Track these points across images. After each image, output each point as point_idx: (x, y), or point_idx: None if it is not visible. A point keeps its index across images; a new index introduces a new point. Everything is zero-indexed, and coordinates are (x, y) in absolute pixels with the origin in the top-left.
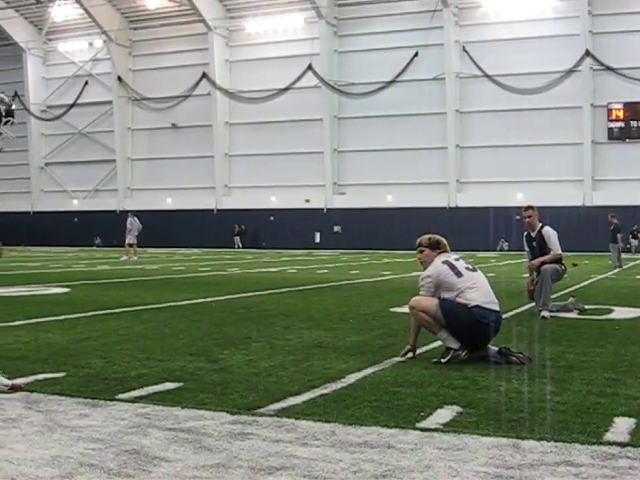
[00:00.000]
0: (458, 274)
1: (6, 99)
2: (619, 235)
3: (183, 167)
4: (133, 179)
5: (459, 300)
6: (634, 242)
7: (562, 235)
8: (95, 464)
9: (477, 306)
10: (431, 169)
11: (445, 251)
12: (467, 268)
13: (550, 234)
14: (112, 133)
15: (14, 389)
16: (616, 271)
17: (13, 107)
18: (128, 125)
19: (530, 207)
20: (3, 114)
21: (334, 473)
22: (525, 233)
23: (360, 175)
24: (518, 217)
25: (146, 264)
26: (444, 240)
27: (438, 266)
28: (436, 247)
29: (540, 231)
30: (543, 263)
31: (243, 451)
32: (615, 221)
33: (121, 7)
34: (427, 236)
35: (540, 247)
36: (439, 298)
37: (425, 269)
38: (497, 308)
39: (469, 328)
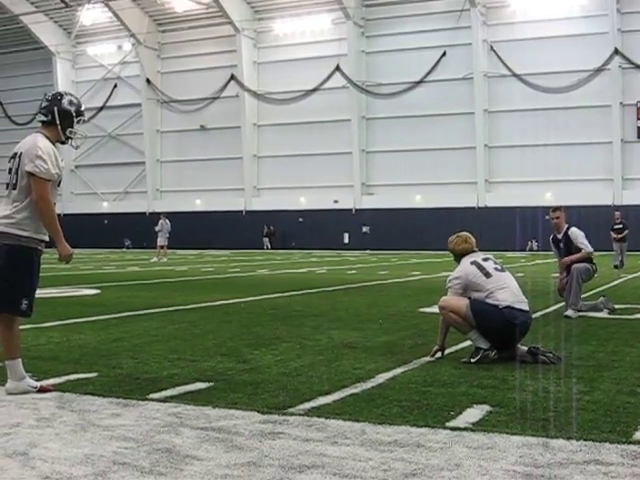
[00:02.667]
0: (487, 275)
1: (75, 100)
2: (626, 232)
3: (212, 169)
4: (162, 181)
5: (489, 301)
6: None
7: (592, 235)
8: (128, 462)
9: (508, 307)
10: (460, 169)
11: (473, 251)
12: (496, 269)
13: (577, 234)
14: (141, 135)
15: (42, 391)
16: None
17: (82, 107)
18: (157, 127)
19: (558, 208)
20: (74, 114)
21: (364, 472)
22: (551, 236)
23: (388, 175)
24: (548, 217)
25: (176, 265)
26: (470, 241)
27: (467, 267)
28: (462, 255)
29: (566, 232)
30: (573, 262)
31: (274, 450)
32: (622, 219)
33: (149, 10)
34: (454, 240)
35: (567, 248)
36: (469, 298)
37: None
38: (527, 308)
39: (500, 329)
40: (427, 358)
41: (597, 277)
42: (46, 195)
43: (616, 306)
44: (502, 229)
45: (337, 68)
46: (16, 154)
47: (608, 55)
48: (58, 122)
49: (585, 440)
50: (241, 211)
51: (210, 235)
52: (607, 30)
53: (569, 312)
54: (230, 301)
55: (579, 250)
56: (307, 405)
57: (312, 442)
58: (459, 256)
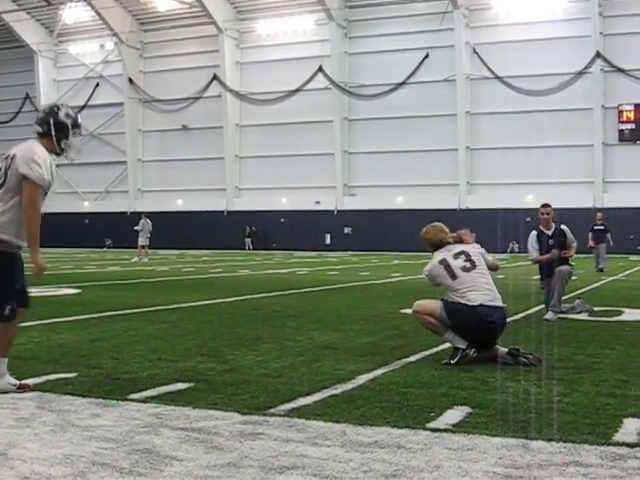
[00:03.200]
0: (453, 277)
1: (71, 113)
2: (608, 235)
3: (194, 169)
4: (144, 181)
5: (462, 300)
6: None
7: (574, 237)
8: (107, 463)
9: (480, 305)
10: (441, 171)
11: (449, 242)
12: (463, 268)
13: (569, 231)
14: (123, 135)
15: (22, 388)
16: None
17: (79, 121)
18: (139, 127)
19: (548, 205)
20: (70, 127)
21: (344, 473)
22: (536, 232)
23: (370, 177)
24: (529, 219)
25: (157, 265)
26: (440, 234)
27: (435, 266)
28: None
29: (560, 228)
30: (567, 257)
31: (254, 451)
32: (603, 221)
33: (132, 9)
34: (426, 233)
35: (559, 244)
36: (442, 300)
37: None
38: (500, 304)
39: (475, 327)
40: (408, 359)
41: (577, 280)
42: (36, 200)
43: (596, 308)
44: (483, 231)
45: (320, 69)
46: (9, 155)
47: (590, 58)
48: (53, 134)
49: (565, 442)
50: (223, 211)
51: (192, 235)
52: (589, 33)
53: (549, 315)
54: (211, 301)
55: (566, 247)
56: (287, 406)
57: (292, 443)
58: (434, 247)
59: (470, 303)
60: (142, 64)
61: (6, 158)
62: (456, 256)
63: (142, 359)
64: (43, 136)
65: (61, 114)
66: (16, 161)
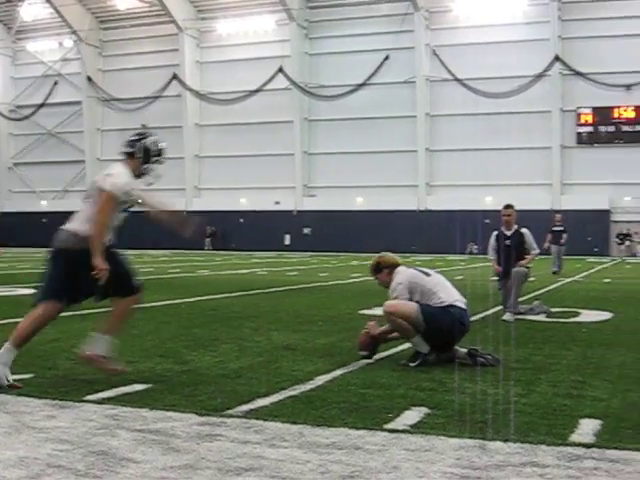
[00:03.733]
0: (426, 274)
1: (159, 142)
2: (564, 236)
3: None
4: None
5: (436, 303)
6: (622, 246)
7: (535, 242)
8: (63, 465)
9: (453, 305)
10: (401, 172)
11: (397, 265)
12: (433, 270)
13: (529, 235)
14: (81, 134)
15: (12, 387)
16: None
17: (163, 152)
18: (98, 126)
19: (511, 206)
20: (154, 154)
21: (302, 474)
22: (496, 232)
23: (330, 177)
24: (487, 220)
25: None
26: (391, 259)
27: (405, 271)
28: (388, 267)
29: (519, 231)
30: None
31: (211, 452)
32: (562, 222)
33: (91, 7)
34: (385, 256)
35: (516, 246)
36: (418, 303)
37: (389, 286)
38: (465, 306)
39: (447, 329)
40: (366, 360)
41: (535, 281)
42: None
43: (553, 309)
44: (442, 232)
45: (280, 69)
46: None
47: (549, 61)
48: (140, 156)
49: (522, 442)
50: (182, 211)
51: (150, 235)
52: (548, 37)
53: (506, 316)
54: (170, 302)
55: (526, 251)
56: (245, 407)
57: (250, 444)
58: (389, 267)
59: (443, 303)
60: (101, 62)
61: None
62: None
63: None
64: (129, 156)
65: (149, 141)
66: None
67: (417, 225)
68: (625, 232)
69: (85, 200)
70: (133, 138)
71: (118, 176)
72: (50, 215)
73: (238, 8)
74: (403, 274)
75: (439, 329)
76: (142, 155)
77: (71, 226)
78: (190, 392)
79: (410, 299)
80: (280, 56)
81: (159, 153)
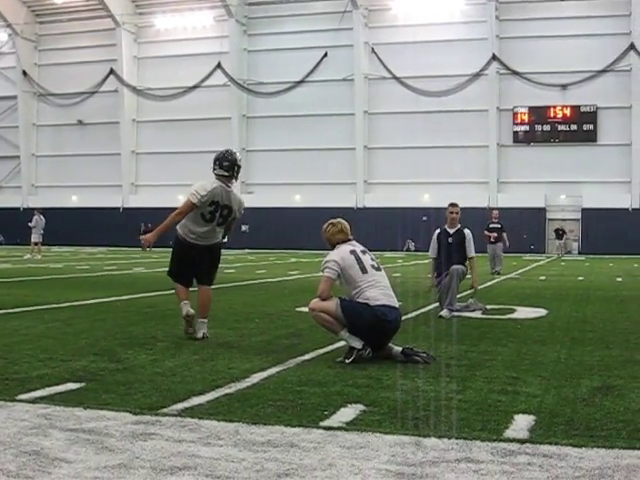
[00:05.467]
0: (363, 270)
1: (238, 158)
2: (504, 235)
3: (89, 164)
4: (38, 176)
5: (359, 300)
6: (558, 242)
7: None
8: None
9: (378, 304)
10: (339, 169)
11: (349, 239)
12: (372, 266)
13: (470, 237)
14: (16, 129)
15: None
16: (494, 274)
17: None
18: (33, 121)
19: (457, 204)
20: (237, 169)
21: (236, 472)
22: (439, 230)
23: (268, 174)
24: (425, 218)
25: (50, 263)
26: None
27: (345, 255)
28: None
29: (462, 231)
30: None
31: (145, 451)
32: (499, 219)
33: (27, 0)
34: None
35: (457, 246)
36: (339, 298)
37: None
38: (397, 305)
39: (371, 326)
40: (303, 357)
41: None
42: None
43: (489, 307)
44: (380, 230)
45: (218, 66)
46: (227, 206)
47: (486, 61)
48: (235, 175)
49: (457, 438)
50: (118, 208)
51: (86, 232)
52: (486, 36)
53: (444, 312)
54: (105, 299)
55: (464, 251)
56: (180, 405)
57: (184, 443)
58: (335, 245)
59: (368, 301)
60: (37, 57)
61: (225, 207)
62: (363, 252)
63: (32, 359)
64: (228, 178)
65: (239, 158)
66: (234, 210)
67: (355, 222)
68: (561, 228)
69: None
70: (229, 164)
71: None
72: None
73: (176, 3)
74: (342, 255)
75: (362, 325)
76: (237, 174)
77: None
78: (125, 391)
79: (339, 276)
80: (218, 52)
81: (238, 168)
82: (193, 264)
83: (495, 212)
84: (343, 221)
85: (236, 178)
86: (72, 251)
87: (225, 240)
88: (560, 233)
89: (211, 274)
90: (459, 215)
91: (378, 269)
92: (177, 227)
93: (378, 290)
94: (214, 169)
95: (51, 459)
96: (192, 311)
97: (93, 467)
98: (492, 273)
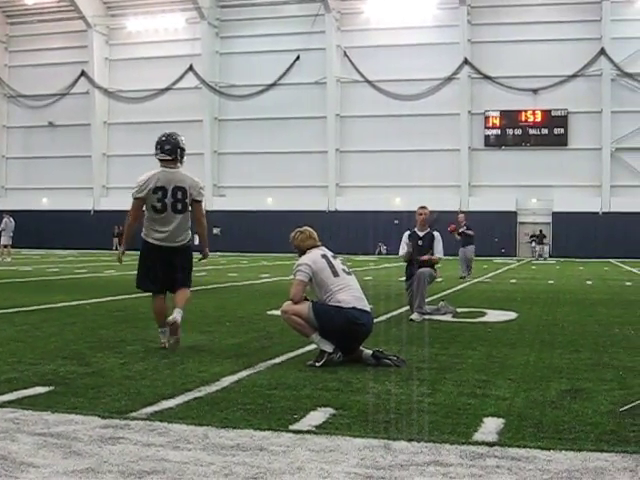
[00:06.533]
0: (334, 273)
1: (181, 140)
2: (473, 237)
3: (60, 167)
4: (8, 178)
5: (331, 303)
6: (539, 248)
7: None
8: None
9: (350, 307)
10: (311, 172)
11: (318, 245)
12: (343, 270)
13: (439, 239)
14: None
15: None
16: (467, 278)
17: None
18: (3, 123)
19: (426, 207)
20: (180, 152)
21: (205, 476)
22: (409, 232)
23: (240, 177)
24: (397, 221)
25: (19, 265)
26: (314, 233)
27: (317, 258)
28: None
29: (432, 233)
30: (427, 261)
31: (113, 455)
32: (466, 222)
33: None
34: (313, 233)
35: (427, 248)
36: (311, 301)
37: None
38: (368, 309)
39: (342, 330)
40: (273, 361)
41: (442, 281)
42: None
43: (460, 310)
44: (352, 233)
45: (190, 68)
46: (178, 187)
47: (458, 65)
48: (179, 158)
49: (426, 442)
50: (89, 211)
51: (57, 235)
52: (458, 40)
53: (414, 316)
54: (75, 302)
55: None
56: (150, 409)
57: (153, 447)
58: (305, 250)
59: (339, 304)
60: (7, 58)
61: (174, 190)
62: (334, 257)
63: (0, 362)
64: (173, 161)
65: (181, 140)
66: (190, 192)
67: (327, 226)
68: (537, 233)
69: None
70: (170, 147)
71: None
72: None
73: (148, 5)
74: (314, 259)
75: (333, 329)
76: (181, 157)
77: None
78: (93, 394)
79: (310, 280)
80: (190, 55)
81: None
82: (162, 270)
83: (461, 216)
84: (309, 229)
85: (181, 162)
86: (42, 254)
87: (196, 241)
88: (539, 237)
89: (185, 277)
90: (428, 217)
91: (349, 273)
92: (142, 233)
93: (349, 293)
94: (156, 154)
95: (18, 464)
96: (170, 342)
97: (61, 472)
98: (460, 277)
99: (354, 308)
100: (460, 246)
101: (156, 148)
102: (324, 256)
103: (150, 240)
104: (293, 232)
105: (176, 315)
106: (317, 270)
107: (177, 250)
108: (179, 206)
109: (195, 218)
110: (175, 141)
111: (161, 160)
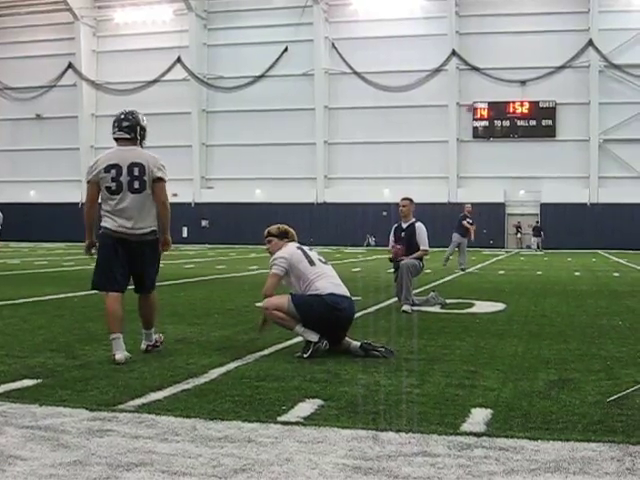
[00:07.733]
0: (311, 263)
1: (141, 118)
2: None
3: (48, 159)
4: None
5: (310, 291)
6: (535, 240)
7: (428, 232)
8: None
9: (329, 294)
10: (300, 164)
11: (294, 241)
12: (320, 260)
13: (421, 230)
14: None
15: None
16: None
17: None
18: None
19: (408, 199)
20: (140, 131)
21: (193, 468)
22: (395, 225)
23: (229, 169)
24: (385, 213)
25: (7, 258)
26: (292, 231)
27: (293, 250)
28: (284, 236)
29: (413, 224)
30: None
31: (101, 448)
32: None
33: None
34: (276, 226)
35: (408, 239)
36: (290, 294)
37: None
38: (348, 294)
39: (323, 316)
40: (261, 353)
41: (430, 272)
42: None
43: (448, 301)
44: (340, 225)
45: (178, 60)
46: (134, 163)
47: (446, 56)
48: (140, 138)
49: (414, 432)
50: (77, 203)
51: (45, 227)
52: (446, 32)
53: (405, 307)
54: (63, 295)
55: (417, 245)
56: (138, 401)
57: (141, 439)
58: (282, 237)
59: (319, 292)
60: None
61: (130, 166)
62: (310, 249)
63: None
64: (131, 141)
65: (142, 118)
66: (150, 168)
67: (315, 217)
68: (534, 225)
69: None
70: (128, 124)
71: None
72: None
73: None
74: (290, 251)
75: (313, 316)
76: (142, 137)
77: None
78: (82, 387)
79: (286, 273)
80: (178, 47)
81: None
82: (122, 266)
83: (468, 206)
84: (287, 227)
85: (141, 143)
86: (30, 247)
87: (157, 236)
88: (537, 229)
89: (149, 276)
90: (408, 208)
91: (325, 263)
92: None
93: (327, 280)
94: (113, 132)
95: (6, 456)
96: (123, 358)
97: (48, 464)
98: (461, 270)
99: (332, 294)
100: (460, 235)
101: (113, 126)
102: (300, 248)
103: (113, 230)
104: (272, 226)
105: (147, 341)
106: (294, 262)
107: (140, 243)
108: (136, 184)
109: (155, 199)
110: (135, 119)
111: (117, 139)
